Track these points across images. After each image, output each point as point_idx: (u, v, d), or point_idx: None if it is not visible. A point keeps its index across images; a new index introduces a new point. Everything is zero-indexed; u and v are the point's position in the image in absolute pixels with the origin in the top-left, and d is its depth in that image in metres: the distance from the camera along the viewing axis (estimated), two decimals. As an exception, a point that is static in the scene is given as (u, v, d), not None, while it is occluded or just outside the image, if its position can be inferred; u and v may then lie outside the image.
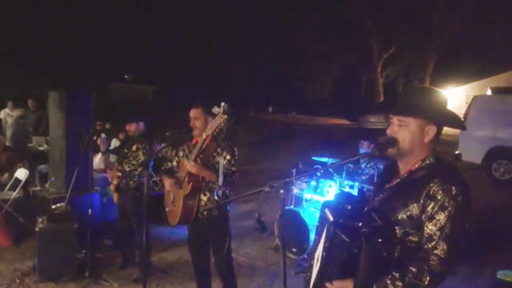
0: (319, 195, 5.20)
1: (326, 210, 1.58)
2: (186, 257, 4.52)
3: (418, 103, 1.59)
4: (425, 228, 1.48)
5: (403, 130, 1.59)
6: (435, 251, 1.46)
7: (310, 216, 4.96)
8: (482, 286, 4.33)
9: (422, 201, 1.49)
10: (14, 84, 19.03)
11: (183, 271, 4.58)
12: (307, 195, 5.34)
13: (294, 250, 4.94)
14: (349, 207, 1.59)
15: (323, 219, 1.67)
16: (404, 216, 1.52)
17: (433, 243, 1.46)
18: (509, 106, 8.62)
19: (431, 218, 1.47)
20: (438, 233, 1.46)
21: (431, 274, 1.44)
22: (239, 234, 5.39)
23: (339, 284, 1.49)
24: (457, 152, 8.95)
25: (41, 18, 26.28)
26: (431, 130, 1.58)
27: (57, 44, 26.88)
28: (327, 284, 1.53)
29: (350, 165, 5.08)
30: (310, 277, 1.71)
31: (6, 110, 10.40)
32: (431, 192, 1.48)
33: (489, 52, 21.13)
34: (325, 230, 1.57)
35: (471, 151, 8.77)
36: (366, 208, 1.60)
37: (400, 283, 1.44)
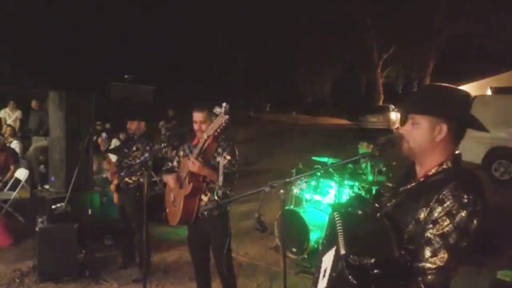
0: (319, 195, 5.20)
1: (340, 240, 1.39)
2: (186, 257, 4.52)
3: (430, 101, 1.52)
4: (426, 232, 1.39)
5: (415, 129, 1.54)
6: (434, 258, 1.36)
7: (310, 216, 4.96)
8: (482, 286, 4.33)
9: (431, 205, 1.40)
10: (14, 84, 19.02)
11: (183, 271, 4.58)
12: (307, 195, 5.34)
13: (294, 250, 4.94)
14: (360, 212, 1.54)
15: (333, 227, 1.56)
16: (413, 220, 1.44)
17: (432, 248, 1.37)
18: (509, 106, 8.62)
19: (434, 222, 1.38)
20: (439, 239, 1.36)
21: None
22: (239, 234, 5.38)
23: None
24: (457, 152, 8.94)
25: (41, 18, 26.29)
26: (443, 128, 1.49)
27: (57, 44, 26.90)
28: None
29: (350, 165, 5.09)
30: (317, 281, 1.66)
31: (7, 109, 10.41)
32: (441, 197, 1.39)
33: (489, 52, 21.13)
34: (332, 257, 1.47)
35: (471, 151, 8.75)
36: (378, 214, 1.54)
37: None
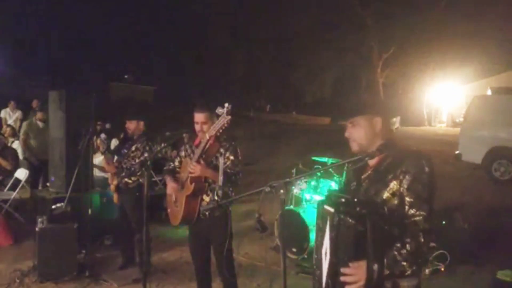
0: (319, 195, 5.20)
1: (325, 206, 1.75)
2: (186, 257, 4.52)
3: (363, 104, 1.95)
4: (406, 197, 1.74)
5: (356, 128, 1.90)
6: (419, 211, 1.71)
7: (310, 216, 4.96)
8: (482, 286, 4.33)
9: (400, 177, 1.75)
10: (14, 84, 19.04)
11: (183, 271, 4.58)
12: (307, 195, 5.34)
13: (294, 250, 4.94)
14: (343, 199, 1.75)
15: (323, 215, 1.81)
16: (388, 194, 1.77)
17: (415, 207, 1.72)
18: (509, 106, 8.61)
19: (409, 189, 1.74)
20: (416, 199, 1.72)
21: (424, 233, 1.68)
22: (239, 234, 5.38)
23: (354, 265, 1.62)
24: (457, 152, 8.93)
25: (41, 18, 26.30)
26: (378, 121, 1.87)
27: (57, 44, 26.91)
28: (342, 270, 1.64)
29: (349, 165, 5.08)
30: (320, 273, 1.78)
31: (7, 110, 10.41)
32: (404, 169, 1.76)
33: (489, 52, 21.12)
34: (327, 223, 1.72)
35: (471, 151, 8.74)
36: (356, 199, 1.77)
37: (404, 250, 1.66)
